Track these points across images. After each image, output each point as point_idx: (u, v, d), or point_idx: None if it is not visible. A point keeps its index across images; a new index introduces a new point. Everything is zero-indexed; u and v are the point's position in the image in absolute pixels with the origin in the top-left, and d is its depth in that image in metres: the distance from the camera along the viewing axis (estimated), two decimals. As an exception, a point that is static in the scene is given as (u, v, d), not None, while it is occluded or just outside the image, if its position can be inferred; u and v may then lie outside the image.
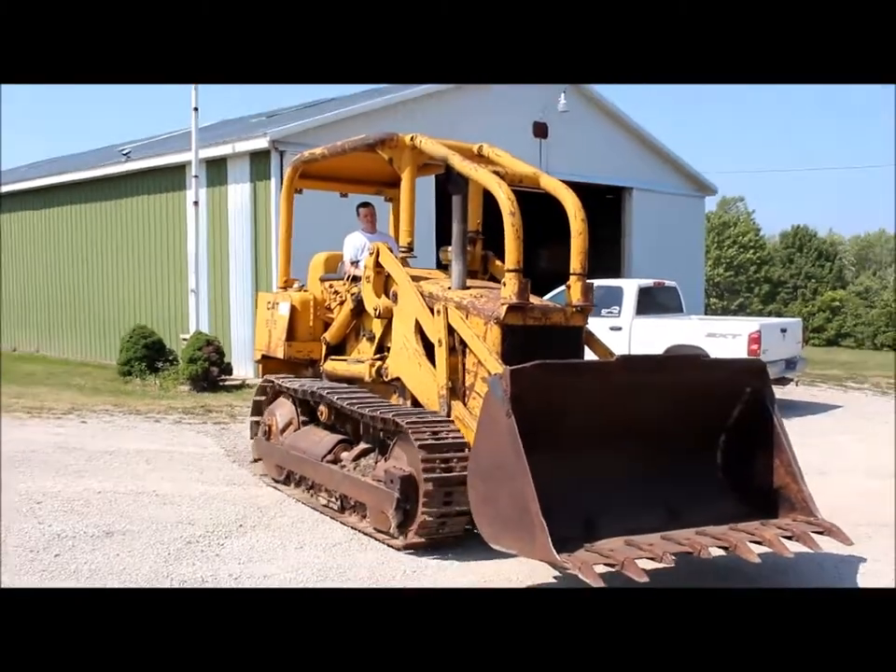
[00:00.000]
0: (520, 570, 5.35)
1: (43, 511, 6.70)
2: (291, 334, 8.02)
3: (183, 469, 8.37)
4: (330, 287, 8.10)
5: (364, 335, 7.51)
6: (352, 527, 6.26)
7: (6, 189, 22.02)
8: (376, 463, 6.25)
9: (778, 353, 13.37)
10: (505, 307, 5.78)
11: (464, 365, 6.06)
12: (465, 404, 5.96)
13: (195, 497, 7.21)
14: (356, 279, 7.66)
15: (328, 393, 6.82)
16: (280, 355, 8.08)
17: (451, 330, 6.07)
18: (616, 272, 19.30)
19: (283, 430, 7.70)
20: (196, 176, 15.42)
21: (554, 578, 5.23)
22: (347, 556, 5.76)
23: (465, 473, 5.43)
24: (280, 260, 8.89)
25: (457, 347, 6.08)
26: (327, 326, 8.06)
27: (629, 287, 13.64)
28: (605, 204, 19.87)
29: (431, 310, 6.27)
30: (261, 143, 14.61)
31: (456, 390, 6.03)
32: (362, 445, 6.57)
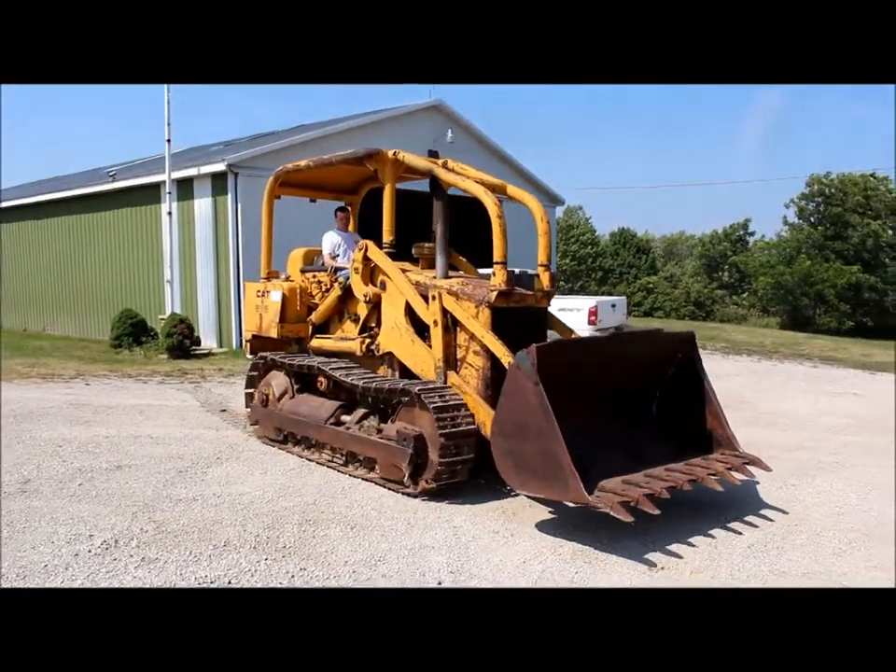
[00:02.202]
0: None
1: (64, 452, 6.61)
2: (283, 317, 7.43)
3: (169, 417, 8.26)
4: (314, 277, 7.56)
5: (348, 317, 6.99)
6: (360, 478, 5.79)
7: (20, 202, 21.15)
8: (378, 424, 5.82)
9: (610, 322, 13.90)
10: (496, 293, 5.44)
11: (455, 341, 5.71)
12: (458, 373, 5.61)
13: (181, 438, 7.20)
14: (337, 270, 7.20)
15: (331, 369, 6.29)
16: (274, 335, 7.46)
17: (443, 312, 5.69)
18: (491, 263, 19.31)
19: (279, 398, 7.13)
20: (169, 193, 15.31)
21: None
22: (300, 478, 5.88)
23: (468, 428, 5.14)
24: (263, 255, 8.17)
25: (450, 327, 5.71)
26: (310, 310, 7.51)
27: None
28: (483, 213, 19.65)
29: (424, 296, 5.88)
30: (220, 166, 14.56)
31: (450, 362, 5.66)
32: (361, 410, 6.11)
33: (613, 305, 14.86)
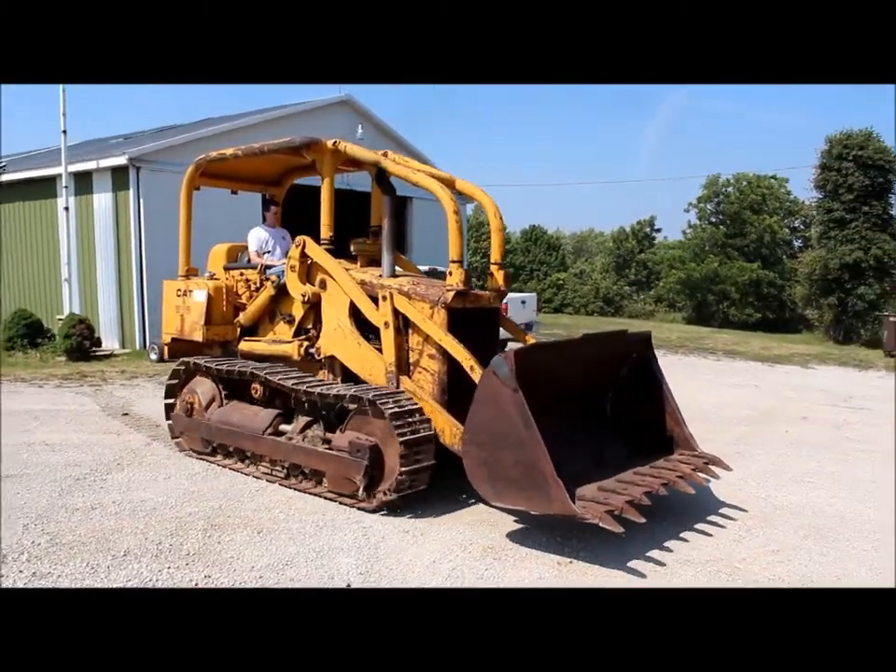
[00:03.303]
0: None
1: (-52, 463, 6.20)
2: (209, 318, 6.90)
3: (67, 423, 7.88)
4: (241, 275, 7.05)
5: (281, 318, 6.55)
6: (303, 491, 5.41)
7: None
8: (324, 434, 5.45)
9: (520, 318, 14.28)
10: (452, 293, 5.18)
11: (407, 344, 5.42)
12: (410, 378, 5.32)
13: (79, 445, 6.91)
14: (267, 268, 6.76)
15: (267, 374, 5.84)
16: (198, 338, 6.91)
17: (395, 314, 5.39)
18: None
19: (206, 407, 6.60)
20: (66, 187, 14.53)
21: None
22: (206, 483, 5.74)
23: (427, 434, 4.88)
24: (181, 252, 7.55)
25: (401, 329, 5.41)
26: (236, 310, 7.01)
27: None
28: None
29: (372, 297, 5.56)
30: (121, 160, 13.97)
31: (401, 367, 5.37)
32: (303, 418, 5.72)
33: (523, 302, 15.20)
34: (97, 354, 13.63)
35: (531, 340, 6.07)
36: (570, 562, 4.22)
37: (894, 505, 5.39)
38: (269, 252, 7.23)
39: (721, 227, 37.87)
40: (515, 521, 4.85)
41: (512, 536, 4.63)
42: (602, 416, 5.46)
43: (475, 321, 5.46)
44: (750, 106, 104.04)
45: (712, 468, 5.08)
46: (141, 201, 13.94)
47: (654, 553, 4.36)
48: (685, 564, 4.23)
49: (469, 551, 4.37)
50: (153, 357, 13.03)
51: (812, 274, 24.23)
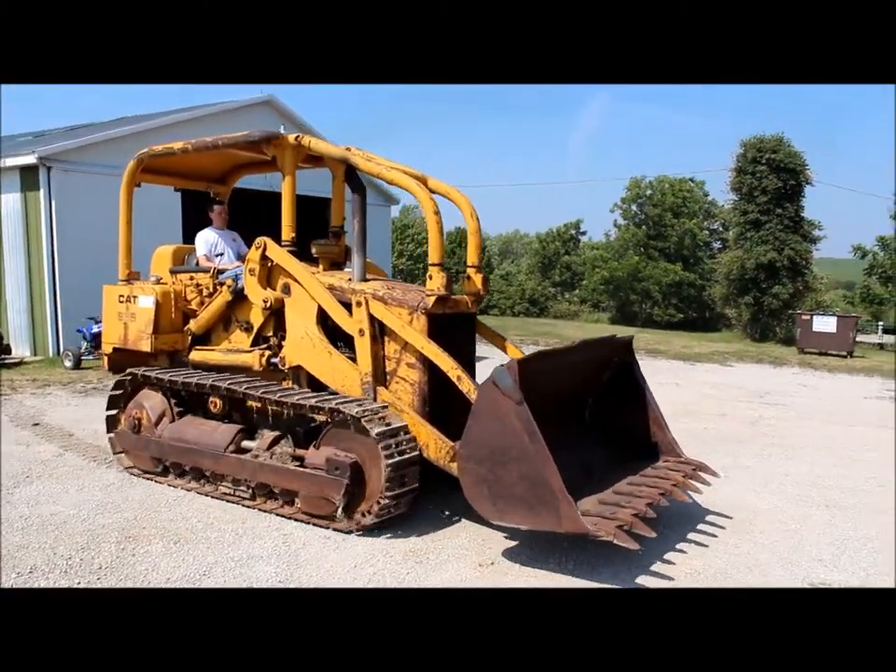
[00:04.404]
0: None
1: None
2: (157, 326, 6.41)
3: None
4: (191, 279, 6.58)
5: (238, 325, 6.16)
6: (272, 512, 5.07)
7: None
8: (294, 451, 5.12)
9: None
10: (433, 298, 4.95)
11: (384, 353, 5.15)
12: (388, 388, 5.06)
13: None
14: (220, 272, 6.35)
15: (230, 385, 5.44)
16: (146, 347, 6.41)
17: (371, 320, 5.11)
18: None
19: (157, 422, 6.11)
20: None
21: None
22: (121, 493, 5.60)
23: (414, 455, 4.62)
24: (121, 254, 7.00)
25: (377, 336, 5.14)
26: (185, 317, 6.56)
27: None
28: (320, 212, 19.11)
29: (344, 302, 5.27)
30: (30, 159, 13.19)
31: (378, 377, 5.10)
32: (271, 433, 5.36)
33: None
34: (6, 362, 12.77)
35: (510, 346, 5.93)
36: (491, 563, 4.26)
37: (894, 506, 5.53)
38: (220, 255, 6.82)
39: (643, 227, 38.94)
40: (437, 525, 4.88)
41: (434, 539, 4.64)
42: (588, 423, 5.37)
43: (453, 327, 5.25)
44: (675, 111, 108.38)
45: (701, 474, 5.04)
46: (53, 202, 13.17)
47: (574, 553, 4.35)
48: (605, 562, 4.24)
49: (391, 555, 4.37)
50: (68, 363, 12.26)
51: (730, 274, 25.07)
